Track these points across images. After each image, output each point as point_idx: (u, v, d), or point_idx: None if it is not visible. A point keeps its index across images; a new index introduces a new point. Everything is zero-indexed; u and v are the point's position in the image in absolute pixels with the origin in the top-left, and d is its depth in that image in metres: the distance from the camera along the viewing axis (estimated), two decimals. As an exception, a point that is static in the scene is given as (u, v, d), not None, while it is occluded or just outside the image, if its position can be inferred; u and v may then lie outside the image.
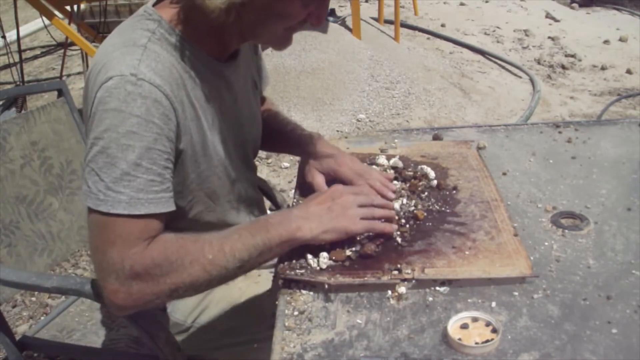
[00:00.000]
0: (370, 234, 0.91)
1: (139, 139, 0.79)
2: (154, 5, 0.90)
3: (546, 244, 0.91)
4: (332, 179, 1.06)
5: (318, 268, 0.85)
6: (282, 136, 1.18)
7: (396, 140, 1.30)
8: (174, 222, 0.96)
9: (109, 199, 0.78)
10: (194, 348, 1.09)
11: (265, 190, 1.38)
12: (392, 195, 1.03)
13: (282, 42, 0.93)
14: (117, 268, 0.78)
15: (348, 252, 0.88)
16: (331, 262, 0.86)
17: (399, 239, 0.91)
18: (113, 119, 0.78)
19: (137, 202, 0.79)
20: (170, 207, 0.84)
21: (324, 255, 0.86)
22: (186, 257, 0.80)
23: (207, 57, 0.92)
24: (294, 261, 0.87)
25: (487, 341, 0.71)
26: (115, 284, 0.79)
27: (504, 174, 1.14)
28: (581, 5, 6.50)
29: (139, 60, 0.81)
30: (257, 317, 1.08)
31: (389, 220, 0.93)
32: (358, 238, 0.90)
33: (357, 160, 1.10)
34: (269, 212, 1.03)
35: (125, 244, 0.79)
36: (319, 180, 1.07)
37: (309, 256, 0.87)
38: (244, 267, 0.83)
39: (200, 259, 0.80)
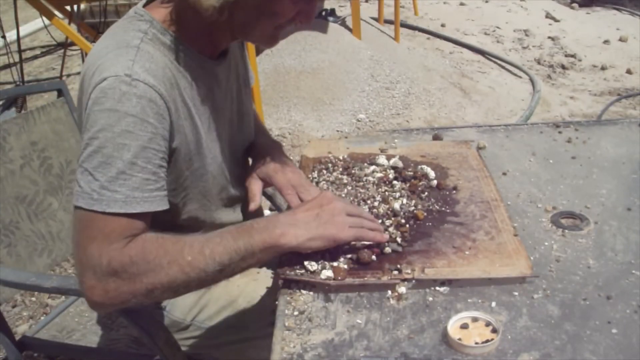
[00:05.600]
0: (365, 242, 0.89)
1: (135, 138, 0.79)
2: (144, 6, 0.91)
3: (546, 244, 0.91)
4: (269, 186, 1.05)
5: (318, 270, 0.85)
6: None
7: (396, 140, 1.30)
8: (171, 219, 0.96)
9: (104, 198, 0.78)
10: (194, 346, 1.09)
11: (265, 191, 1.38)
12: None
13: (271, 40, 0.94)
14: (94, 263, 0.78)
15: (348, 255, 0.88)
16: (331, 275, 0.84)
17: (399, 239, 0.91)
18: (108, 118, 0.78)
19: (133, 200, 0.79)
20: (164, 206, 0.84)
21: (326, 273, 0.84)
22: (165, 257, 0.79)
23: (199, 56, 0.93)
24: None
25: (487, 341, 0.71)
26: (92, 279, 0.78)
27: (504, 174, 1.14)
28: (581, 5, 6.50)
29: (133, 61, 0.82)
30: (257, 314, 1.08)
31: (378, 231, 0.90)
32: (348, 247, 0.88)
33: (302, 174, 1.05)
34: (267, 212, 1.01)
35: (106, 239, 0.78)
36: (253, 186, 1.04)
37: (308, 263, 0.85)
38: (224, 271, 0.81)
39: (179, 260, 0.79)
